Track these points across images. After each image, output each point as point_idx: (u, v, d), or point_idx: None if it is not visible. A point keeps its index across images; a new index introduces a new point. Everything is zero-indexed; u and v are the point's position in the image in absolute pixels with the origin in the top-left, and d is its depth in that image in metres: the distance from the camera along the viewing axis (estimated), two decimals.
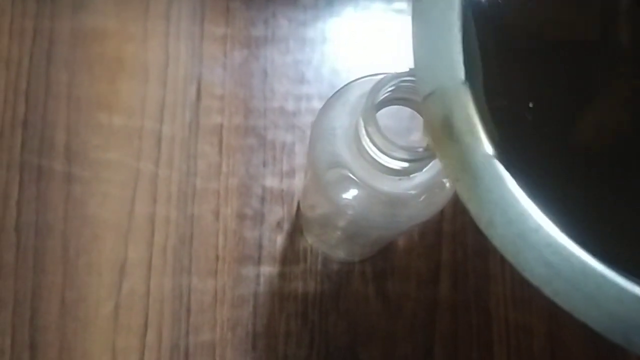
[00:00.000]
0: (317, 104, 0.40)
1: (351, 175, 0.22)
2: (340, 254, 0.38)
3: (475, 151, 0.14)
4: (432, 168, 0.22)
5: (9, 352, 0.35)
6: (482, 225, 0.14)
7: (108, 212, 0.37)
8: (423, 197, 0.23)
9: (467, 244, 0.38)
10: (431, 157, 0.20)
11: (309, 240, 0.37)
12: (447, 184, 0.24)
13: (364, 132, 0.20)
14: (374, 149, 0.20)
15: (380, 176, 0.21)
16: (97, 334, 0.36)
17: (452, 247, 0.38)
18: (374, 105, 0.19)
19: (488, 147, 0.14)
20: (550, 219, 0.13)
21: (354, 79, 0.24)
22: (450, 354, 0.37)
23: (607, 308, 0.13)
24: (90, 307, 0.36)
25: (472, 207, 0.14)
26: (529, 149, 0.15)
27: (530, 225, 0.13)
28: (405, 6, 0.42)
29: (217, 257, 0.37)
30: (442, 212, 0.39)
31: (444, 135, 0.15)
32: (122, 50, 0.40)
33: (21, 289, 0.36)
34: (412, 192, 0.22)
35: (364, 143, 0.20)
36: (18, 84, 0.38)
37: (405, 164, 0.20)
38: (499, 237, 0.14)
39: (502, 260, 0.38)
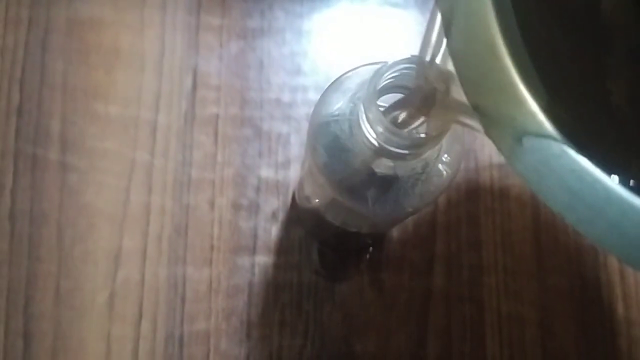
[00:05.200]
0: (313, 96, 0.40)
1: (351, 161, 0.22)
2: (334, 245, 0.38)
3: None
4: (431, 155, 0.22)
5: (3, 340, 0.35)
6: (504, 152, 0.13)
7: (103, 202, 0.37)
8: (420, 184, 0.23)
9: (461, 235, 0.39)
10: (430, 144, 0.21)
11: (305, 230, 0.38)
12: (444, 173, 0.24)
13: (364, 117, 0.20)
14: (374, 134, 0.20)
15: (379, 162, 0.21)
16: (92, 322, 0.36)
17: (446, 239, 0.39)
18: (375, 92, 0.19)
19: (508, 62, 0.13)
20: (574, 145, 0.13)
21: (354, 67, 0.24)
22: (443, 344, 0.37)
23: (631, 236, 0.12)
24: (85, 295, 0.36)
25: (494, 134, 0.14)
26: (554, 71, 0.14)
27: (553, 151, 0.13)
28: None
29: (212, 247, 0.37)
30: (436, 204, 0.39)
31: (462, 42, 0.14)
32: (118, 40, 0.40)
33: (15, 277, 0.36)
34: (410, 178, 0.23)
35: (364, 129, 0.20)
36: (13, 73, 0.38)
37: (404, 150, 0.20)
38: (521, 164, 0.13)
39: (495, 251, 0.39)
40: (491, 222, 0.39)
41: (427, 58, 0.18)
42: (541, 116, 0.13)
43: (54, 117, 0.38)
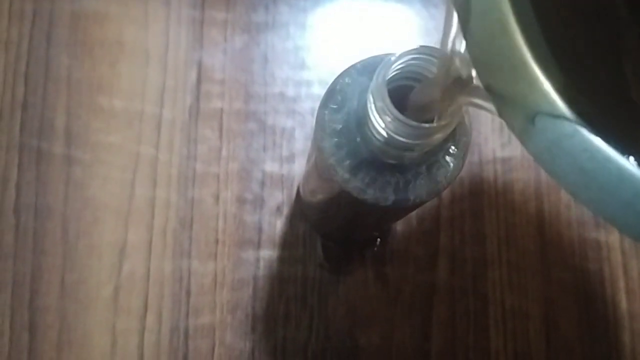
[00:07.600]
0: (317, 90, 0.40)
1: (359, 152, 0.22)
2: (338, 238, 0.38)
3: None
4: (438, 146, 0.23)
5: (8, 333, 0.35)
6: (516, 132, 0.13)
7: (108, 195, 0.37)
8: (427, 175, 0.23)
9: (464, 229, 0.39)
10: (439, 134, 0.21)
11: (309, 224, 0.38)
12: (451, 164, 0.24)
13: (373, 107, 0.20)
14: (382, 124, 0.20)
15: (387, 153, 0.22)
16: (97, 315, 0.36)
17: (450, 233, 0.39)
18: (384, 81, 0.19)
19: (523, 45, 0.13)
20: (586, 124, 0.12)
21: (361, 59, 0.24)
22: (447, 338, 0.37)
23: None
24: (90, 289, 0.36)
25: (506, 114, 0.14)
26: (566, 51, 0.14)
27: (566, 130, 0.13)
28: None
29: (217, 241, 0.37)
30: (440, 198, 0.39)
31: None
32: (123, 33, 0.40)
33: (20, 271, 0.36)
34: (417, 169, 0.23)
35: (372, 119, 0.20)
36: (17, 66, 0.38)
37: (413, 140, 0.20)
38: (533, 144, 0.13)
39: (499, 245, 0.39)
40: (495, 216, 0.39)
41: (449, 45, 0.18)
42: (554, 95, 0.13)
43: (59, 110, 0.38)
